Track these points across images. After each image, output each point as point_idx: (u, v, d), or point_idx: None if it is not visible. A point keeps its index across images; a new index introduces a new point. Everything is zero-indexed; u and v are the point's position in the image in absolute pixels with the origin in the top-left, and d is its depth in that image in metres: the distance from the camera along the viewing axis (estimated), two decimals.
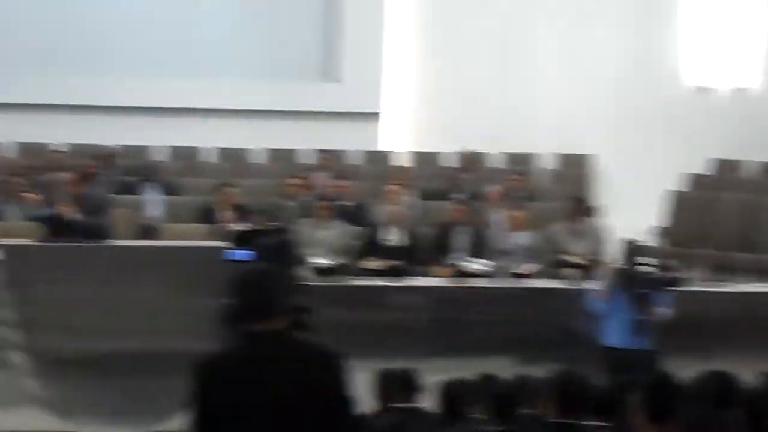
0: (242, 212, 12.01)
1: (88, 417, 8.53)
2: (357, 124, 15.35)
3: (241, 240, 8.19)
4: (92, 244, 9.02)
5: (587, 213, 11.45)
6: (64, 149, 14.17)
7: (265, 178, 13.96)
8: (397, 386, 6.72)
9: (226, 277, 8.47)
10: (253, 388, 4.02)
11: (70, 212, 9.14)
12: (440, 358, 9.39)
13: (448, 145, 15.11)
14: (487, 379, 6.64)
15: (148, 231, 12.00)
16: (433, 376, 6.98)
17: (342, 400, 4.10)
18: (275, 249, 7.53)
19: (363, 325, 9.30)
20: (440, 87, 15.64)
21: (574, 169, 15.71)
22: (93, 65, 15.03)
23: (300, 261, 8.84)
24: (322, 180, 13.50)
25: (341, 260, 11.00)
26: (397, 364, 7.24)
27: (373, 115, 15.59)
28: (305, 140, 14.88)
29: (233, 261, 8.13)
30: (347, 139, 15.10)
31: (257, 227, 8.40)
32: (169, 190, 13.26)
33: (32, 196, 11.76)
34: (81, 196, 9.25)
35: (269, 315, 4.06)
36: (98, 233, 9.13)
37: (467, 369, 8.05)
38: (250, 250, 7.91)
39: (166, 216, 12.67)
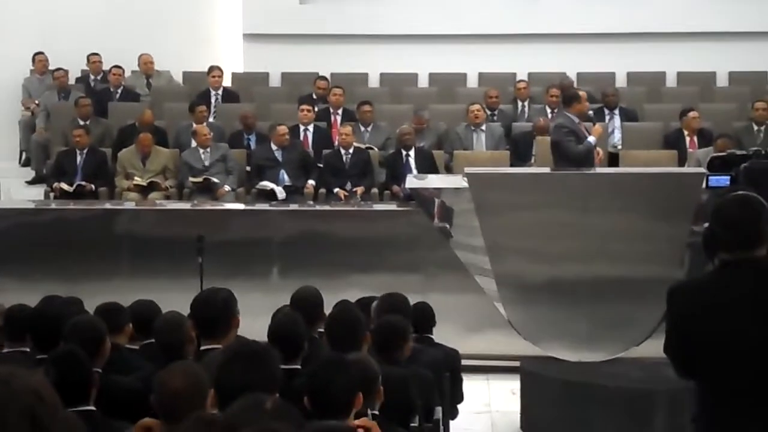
0: (706, 137, 11.71)
1: (555, 342, 8.63)
2: None
3: (720, 166, 7.91)
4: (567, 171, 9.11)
5: None
6: (524, 78, 14.33)
7: (729, 102, 13.49)
8: None
9: (701, 204, 8.35)
10: (729, 316, 3.92)
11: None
12: None
13: None
14: None
15: (612, 158, 11.97)
16: None
17: None
18: (758, 175, 7.19)
19: None
20: None
21: None
22: None
23: None
24: None
25: None
26: None
27: None
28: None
29: (710, 188, 7.91)
30: None
31: (737, 152, 8.08)
32: (630, 116, 13.13)
33: None
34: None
35: (748, 243, 3.95)
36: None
37: None
38: (729, 176, 7.64)
39: (626, 142, 12.58)
